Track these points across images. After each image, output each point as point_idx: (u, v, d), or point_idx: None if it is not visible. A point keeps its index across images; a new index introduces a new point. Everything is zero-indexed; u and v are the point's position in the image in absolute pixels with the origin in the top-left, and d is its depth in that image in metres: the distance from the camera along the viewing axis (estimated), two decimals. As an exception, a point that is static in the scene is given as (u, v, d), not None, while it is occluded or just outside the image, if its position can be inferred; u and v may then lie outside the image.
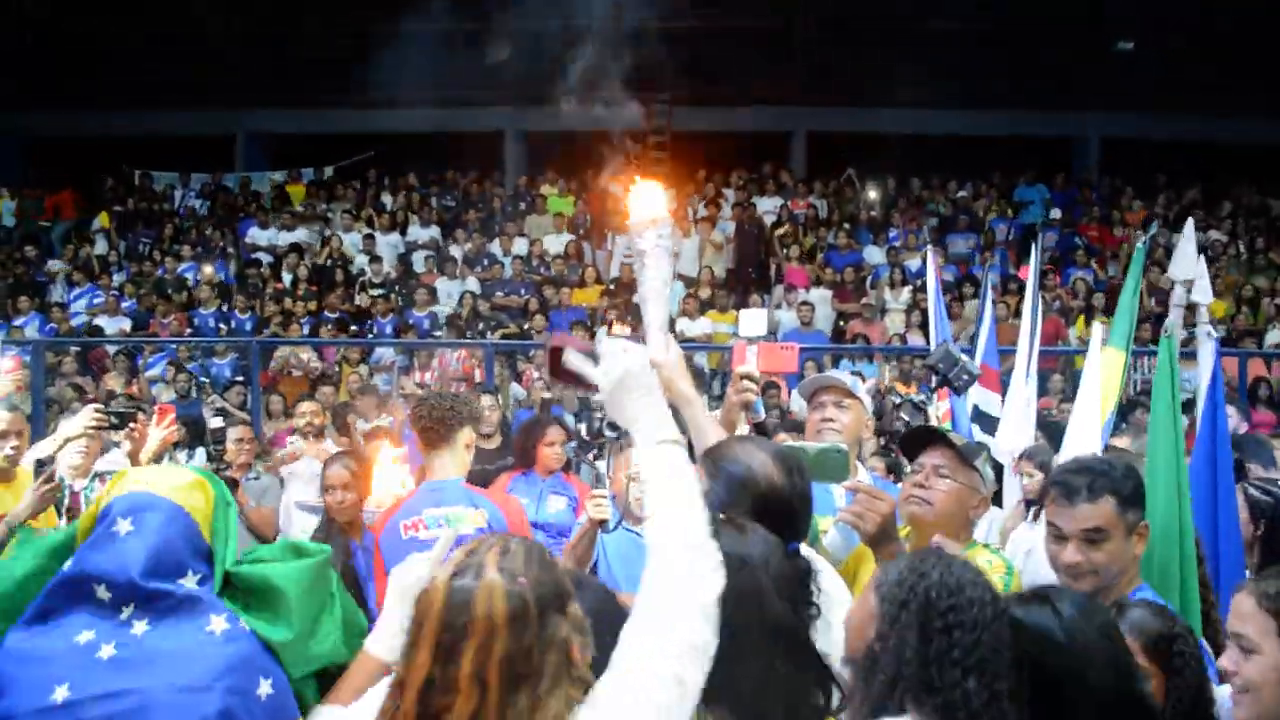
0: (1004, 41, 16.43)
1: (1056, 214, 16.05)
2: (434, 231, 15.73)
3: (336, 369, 12.11)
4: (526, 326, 13.07)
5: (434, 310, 13.60)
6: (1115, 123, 18.37)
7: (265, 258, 15.27)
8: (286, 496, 6.57)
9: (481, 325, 12.96)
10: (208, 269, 14.83)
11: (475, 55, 17.76)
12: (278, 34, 17.90)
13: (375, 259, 14.69)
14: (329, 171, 18.37)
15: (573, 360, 2.05)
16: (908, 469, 2.88)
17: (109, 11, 16.63)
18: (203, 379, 11.95)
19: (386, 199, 17.06)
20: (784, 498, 2.17)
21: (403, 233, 15.80)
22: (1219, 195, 16.64)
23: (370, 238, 15.33)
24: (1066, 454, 4.14)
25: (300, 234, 15.71)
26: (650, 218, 2.38)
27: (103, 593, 2.01)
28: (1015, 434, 6.01)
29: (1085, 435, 4.23)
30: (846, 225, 15.62)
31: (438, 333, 13.10)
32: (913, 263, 14.32)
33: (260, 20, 17.44)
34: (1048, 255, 14.43)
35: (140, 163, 18.68)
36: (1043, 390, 11.30)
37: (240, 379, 11.61)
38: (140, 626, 2.00)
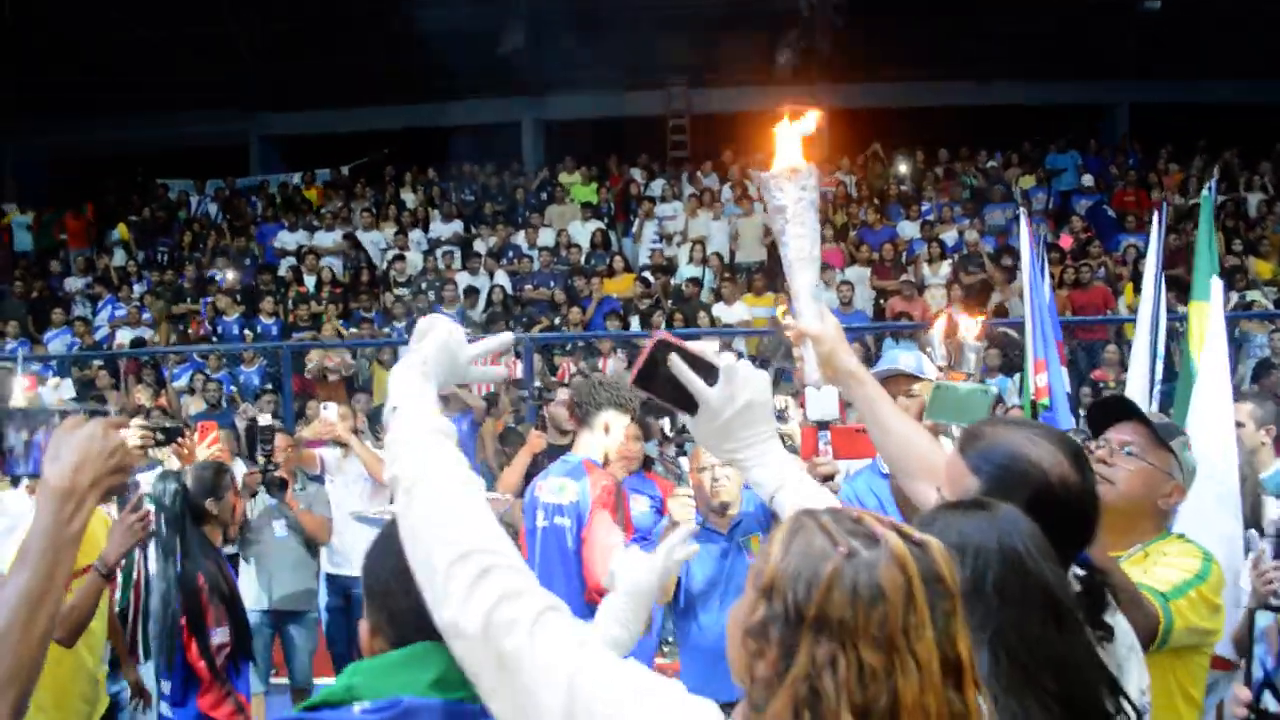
0: (1026, 8, 16.12)
1: (1089, 181, 15.70)
2: (456, 226, 15.43)
3: (369, 373, 11.86)
4: (558, 320, 12.78)
5: (461, 307, 13.31)
6: (1144, 89, 17.99)
7: (289, 262, 15.00)
8: (334, 501, 6.32)
9: (511, 320, 12.65)
10: (231, 274, 14.56)
11: (489, 46, 17.55)
12: (290, 36, 17.70)
13: (400, 258, 14.40)
14: (345, 171, 18.10)
15: (679, 368, 1.68)
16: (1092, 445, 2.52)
17: (111, 19, 16.44)
18: (231, 388, 11.72)
19: (407, 196, 16.77)
20: (1076, 497, 1.74)
21: (425, 229, 15.51)
22: (1256, 156, 16.21)
23: (399, 234, 15.04)
24: (1197, 419, 3.85)
25: (329, 236, 15.43)
26: (792, 167, 2.03)
27: None
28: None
29: (1218, 398, 3.92)
30: (876, 201, 15.27)
31: (468, 330, 12.80)
32: (949, 236, 13.98)
33: (272, 23, 17.25)
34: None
35: (155, 171, 18.47)
36: (1096, 362, 11.00)
37: (270, 387, 11.38)
38: None
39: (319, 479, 6.48)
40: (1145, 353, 5.64)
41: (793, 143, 2.08)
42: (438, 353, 1.56)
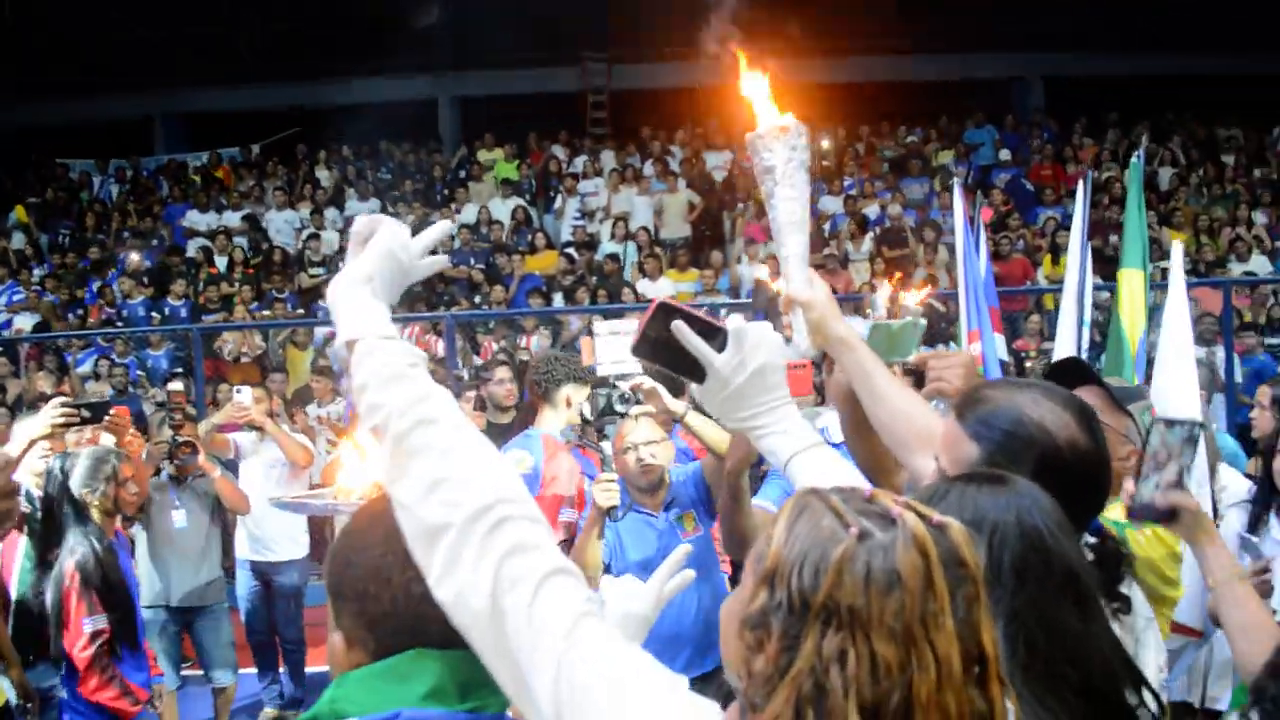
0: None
1: (1006, 155, 15.88)
2: (373, 205, 15.05)
3: (281, 354, 11.50)
4: (479, 299, 12.52)
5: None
6: (1057, 63, 18.24)
7: (198, 243, 14.49)
8: (249, 487, 6.09)
9: (433, 298, 12.37)
10: (134, 256, 14.01)
11: (401, 22, 17.13)
12: (193, 11, 17.09)
13: (314, 237, 14.00)
14: (256, 150, 17.55)
15: (684, 334, 1.55)
16: None
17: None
18: (138, 373, 11.28)
19: (321, 174, 16.32)
20: (1087, 460, 1.60)
21: (340, 208, 15.11)
22: (1167, 130, 16.54)
23: (316, 213, 14.62)
24: (1161, 382, 3.81)
25: (237, 216, 14.93)
26: (780, 125, 1.91)
27: None
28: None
29: (1179, 362, 3.90)
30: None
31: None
32: (870, 210, 14.02)
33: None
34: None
35: (54, 151, 17.72)
36: (1017, 332, 11.10)
37: (179, 370, 10.97)
38: None
39: (233, 465, 6.23)
40: (1072, 321, 5.63)
41: (774, 101, 1.96)
42: (384, 264, 1.31)
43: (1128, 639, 1.56)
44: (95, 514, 4.32)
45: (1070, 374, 2.52)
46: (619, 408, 3.92)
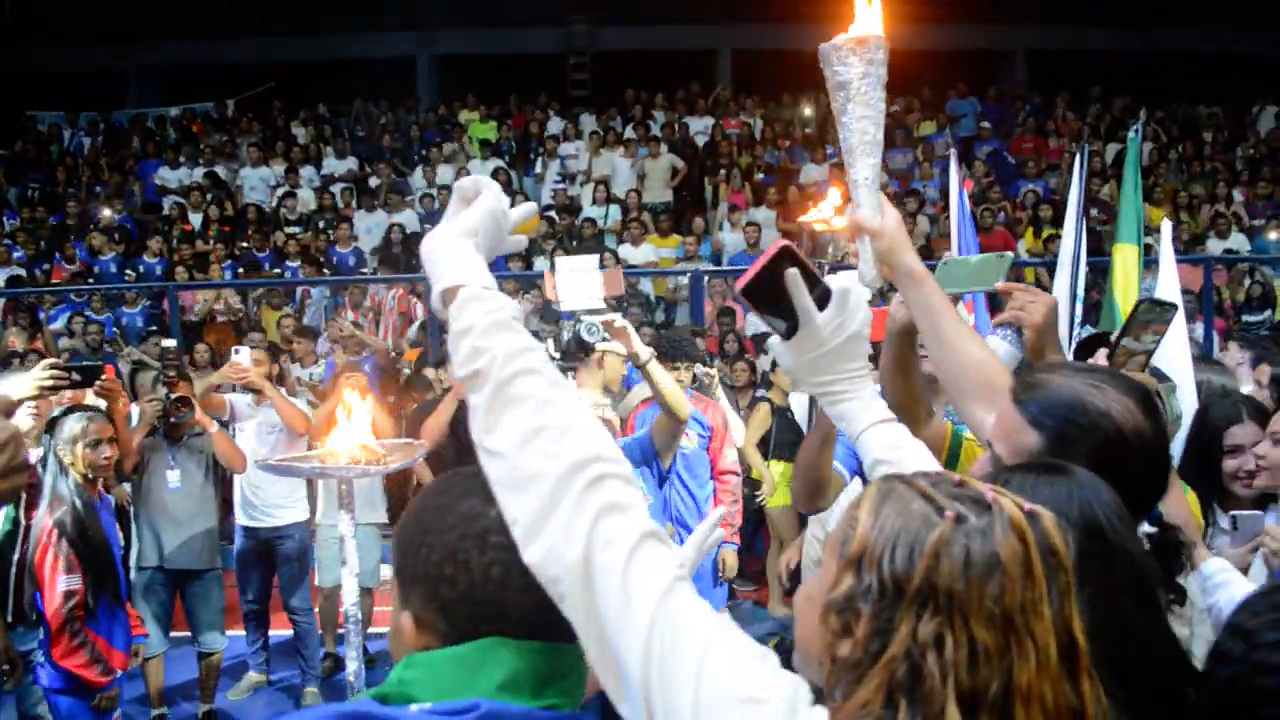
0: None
1: (988, 126, 15.86)
2: (350, 163, 14.85)
3: (256, 313, 11.35)
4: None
5: (357, 246, 12.81)
6: (1041, 36, 18.23)
7: (172, 200, 14.24)
8: (245, 452, 5.96)
9: (413, 260, 12.22)
10: (106, 212, 13.76)
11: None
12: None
13: (290, 195, 13.78)
14: (230, 106, 17.23)
15: (795, 283, 1.47)
16: None
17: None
18: (113, 330, 11.11)
19: (297, 131, 16.06)
20: (1150, 449, 1.54)
21: (317, 166, 14.89)
22: (1148, 106, 16.56)
23: (291, 171, 14.38)
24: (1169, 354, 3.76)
25: (215, 171, 14.67)
26: (857, 38, 1.75)
27: None
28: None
29: (1174, 338, 3.88)
30: (785, 143, 15.20)
31: (363, 269, 12.36)
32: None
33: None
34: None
35: (23, 103, 17.32)
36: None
37: (154, 328, 10.80)
38: None
39: (226, 426, 6.10)
40: (1065, 295, 5.64)
41: (862, 10, 1.79)
42: (487, 223, 1.32)
43: (1182, 630, 1.53)
44: (74, 473, 4.29)
45: (1092, 351, 2.50)
46: (587, 337, 3.90)
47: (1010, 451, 1.60)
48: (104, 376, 4.06)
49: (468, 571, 1.17)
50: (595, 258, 4.30)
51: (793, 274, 1.47)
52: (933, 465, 1.57)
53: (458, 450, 6.52)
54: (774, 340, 1.58)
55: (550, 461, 1.10)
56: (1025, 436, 1.59)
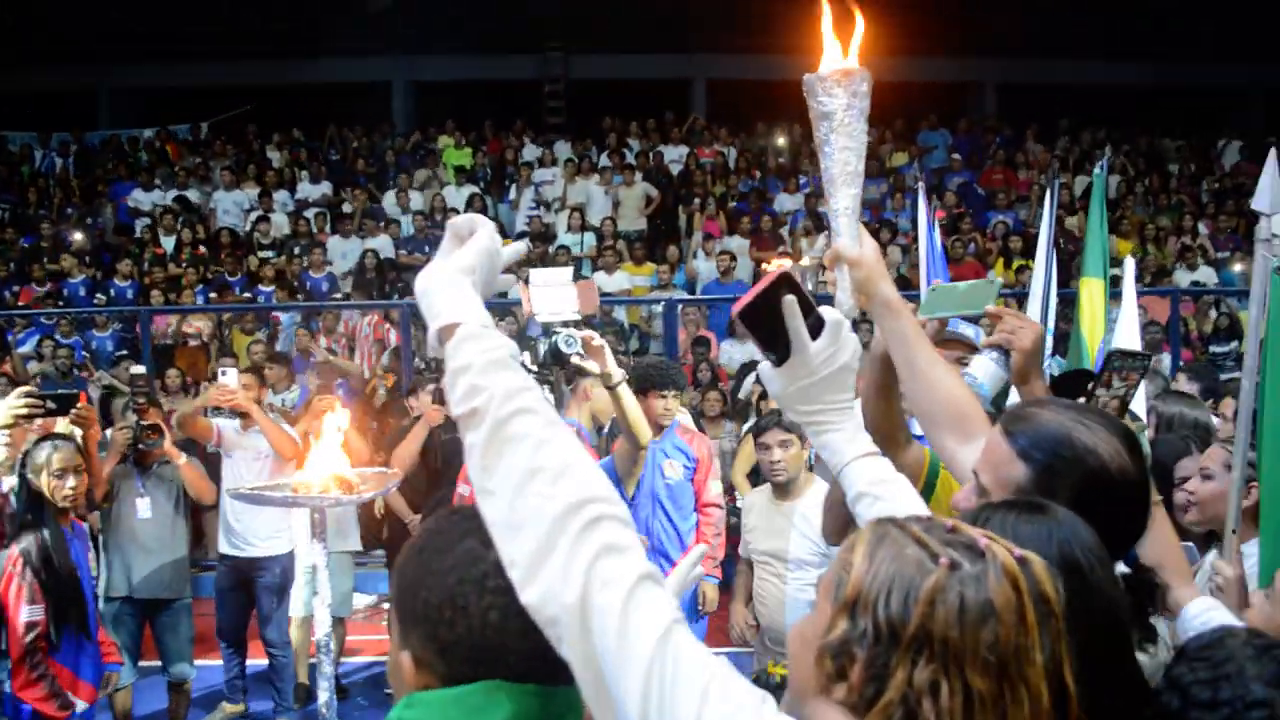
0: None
1: (958, 158, 16.03)
2: (325, 188, 14.83)
3: (228, 336, 11.29)
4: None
5: (331, 272, 12.78)
6: (1009, 70, 18.48)
7: (144, 222, 14.17)
8: (231, 479, 5.87)
9: (386, 285, 12.22)
10: (78, 235, 13.67)
11: (358, 2, 16.90)
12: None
13: (264, 219, 13.75)
14: (205, 128, 17.19)
15: (791, 310, 1.52)
16: None
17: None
18: (83, 354, 11.02)
19: (272, 155, 16.03)
20: (1132, 488, 1.58)
21: (291, 190, 14.86)
22: (1116, 139, 16.82)
23: (266, 195, 14.33)
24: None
25: (183, 195, 14.61)
26: (844, 70, 1.80)
27: None
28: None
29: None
30: (758, 173, 15.32)
31: (336, 294, 12.33)
32: (826, 209, 14.05)
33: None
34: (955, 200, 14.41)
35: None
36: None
37: (125, 352, 10.73)
38: None
39: (194, 451, 6.02)
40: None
41: (842, 42, 1.84)
42: (483, 261, 1.33)
43: (1155, 672, 1.56)
44: (47, 502, 4.27)
45: (1074, 387, 2.55)
46: (565, 349, 3.92)
47: (996, 482, 1.63)
48: (79, 404, 4.04)
49: (466, 616, 1.19)
50: (569, 270, 4.30)
51: (789, 300, 1.51)
52: (917, 503, 1.60)
53: (429, 477, 6.52)
54: (764, 366, 1.61)
55: (547, 503, 1.11)
56: (1013, 468, 1.62)
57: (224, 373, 5.78)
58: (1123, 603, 1.40)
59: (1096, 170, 6.00)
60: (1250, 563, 2.63)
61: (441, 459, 6.31)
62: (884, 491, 1.62)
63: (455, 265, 1.31)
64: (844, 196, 1.83)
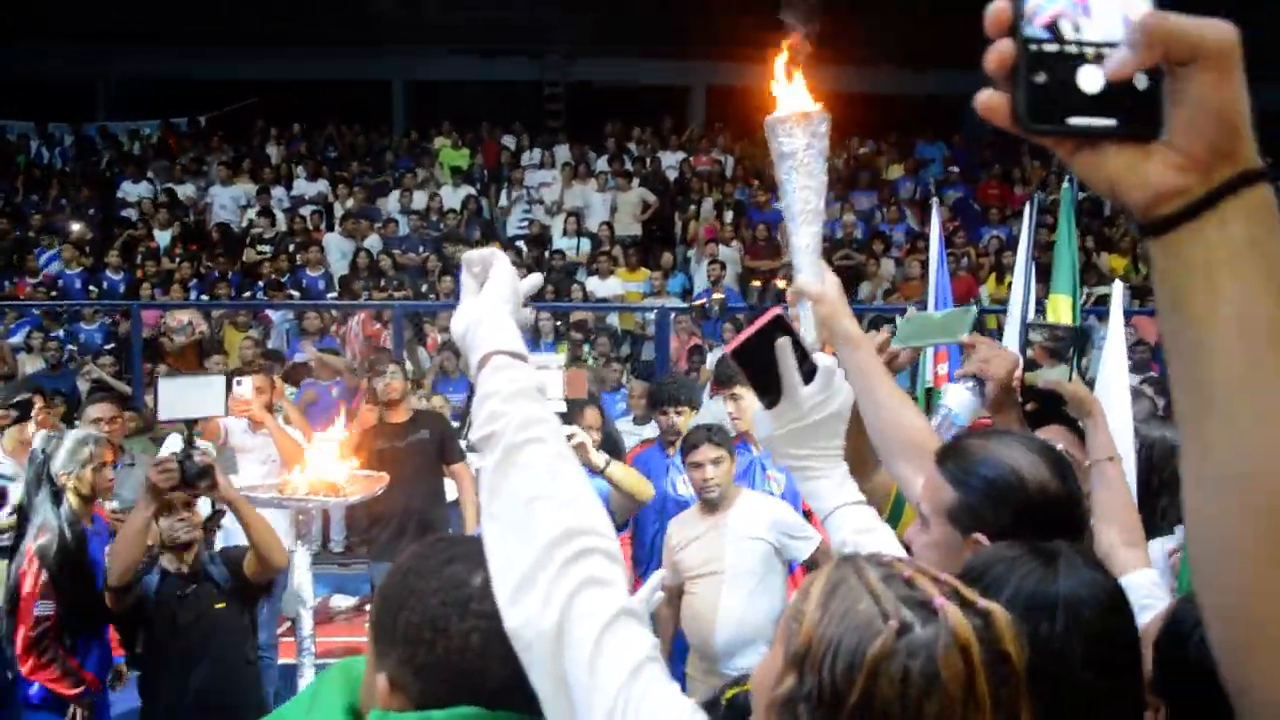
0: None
1: (955, 171, 16.06)
2: (322, 186, 14.82)
3: (219, 334, 11.26)
4: (426, 287, 12.38)
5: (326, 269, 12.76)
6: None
7: (135, 214, 14.14)
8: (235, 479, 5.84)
9: (381, 283, 12.20)
10: (75, 226, 13.64)
11: (358, 1, 16.89)
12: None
13: (263, 213, 13.74)
14: (203, 122, 17.18)
15: (784, 353, 1.55)
16: None
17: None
18: (71, 346, 10.99)
19: (271, 151, 16.02)
20: (1060, 504, 1.65)
21: (288, 187, 14.85)
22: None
23: (263, 191, 14.31)
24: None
25: (179, 189, 14.59)
26: (803, 111, 1.84)
27: None
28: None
29: (1117, 394, 3.96)
30: (755, 182, 15.34)
31: (331, 294, 12.32)
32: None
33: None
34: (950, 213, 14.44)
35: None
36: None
37: (111, 346, 10.72)
38: None
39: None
40: (1015, 344, 5.73)
41: (800, 85, 1.88)
42: (512, 292, 1.37)
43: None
44: (71, 497, 4.27)
45: (1045, 409, 2.57)
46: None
47: (932, 510, 1.71)
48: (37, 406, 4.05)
49: (446, 638, 1.19)
50: (561, 357, 4.30)
51: (783, 343, 1.55)
52: (898, 552, 1.62)
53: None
54: (756, 408, 1.64)
55: (541, 529, 1.13)
56: (943, 494, 1.69)
57: (239, 383, 5.68)
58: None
59: (1065, 187, 6.00)
60: None
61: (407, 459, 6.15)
62: (867, 541, 1.64)
63: (495, 296, 1.35)
64: (805, 234, 1.87)
